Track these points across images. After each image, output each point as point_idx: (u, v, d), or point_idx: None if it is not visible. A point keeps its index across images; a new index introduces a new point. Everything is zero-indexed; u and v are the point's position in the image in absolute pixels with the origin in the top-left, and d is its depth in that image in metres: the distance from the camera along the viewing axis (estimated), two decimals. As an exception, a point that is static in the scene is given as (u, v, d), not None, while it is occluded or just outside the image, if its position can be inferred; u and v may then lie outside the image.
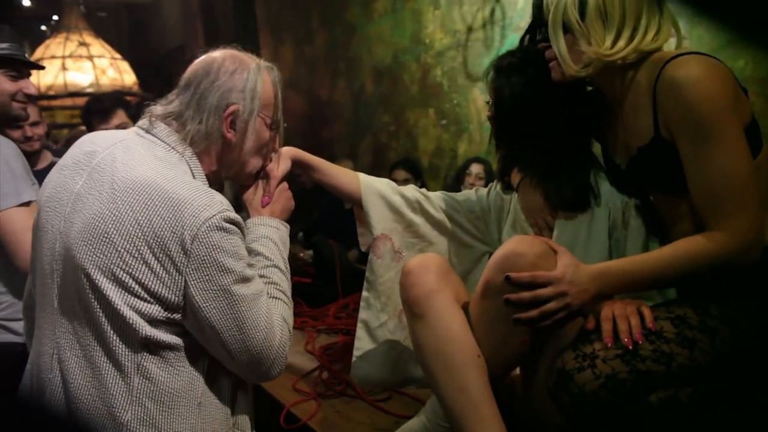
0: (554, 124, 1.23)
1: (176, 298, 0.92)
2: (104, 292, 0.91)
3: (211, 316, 0.93)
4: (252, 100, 1.06)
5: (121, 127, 2.13)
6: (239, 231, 0.97)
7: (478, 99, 3.26)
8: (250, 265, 0.99)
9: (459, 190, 3.12)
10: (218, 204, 0.94)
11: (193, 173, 1.02)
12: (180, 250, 0.90)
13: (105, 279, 0.91)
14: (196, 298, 0.92)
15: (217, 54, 1.09)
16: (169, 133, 1.03)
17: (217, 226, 0.92)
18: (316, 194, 4.01)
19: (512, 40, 3.01)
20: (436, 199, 1.45)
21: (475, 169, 2.99)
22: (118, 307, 0.91)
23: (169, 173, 0.96)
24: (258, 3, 5.27)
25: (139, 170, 0.95)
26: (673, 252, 0.97)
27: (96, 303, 0.92)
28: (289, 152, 1.36)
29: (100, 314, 0.92)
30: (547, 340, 1.04)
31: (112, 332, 0.92)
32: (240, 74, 1.06)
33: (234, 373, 1.03)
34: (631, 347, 0.91)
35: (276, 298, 1.06)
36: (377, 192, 1.41)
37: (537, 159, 1.27)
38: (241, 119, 1.05)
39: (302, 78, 4.78)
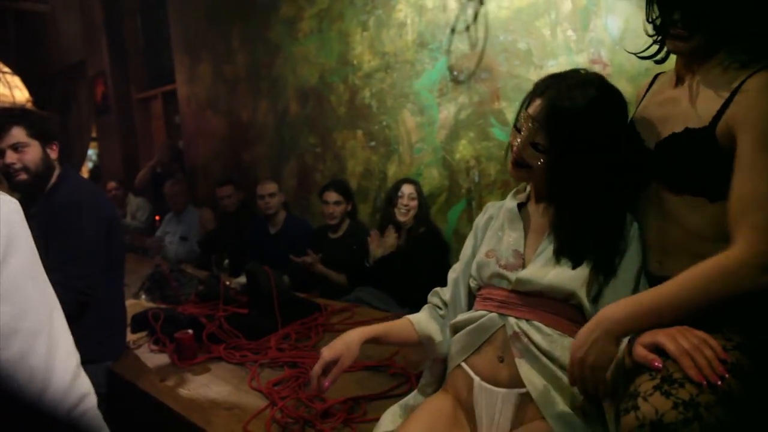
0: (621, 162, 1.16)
1: None
2: None
3: None
4: None
5: (18, 147, 1.88)
6: None
7: (408, 120, 3.27)
8: None
9: (391, 213, 3.13)
10: None
11: None
12: None
13: None
14: None
15: None
16: None
17: None
18: (241, 217, 3.84)
19: (442, 64, 3.05)
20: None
21: (407, 189, 2.97)
22: None
23: None
24: (171, 19, 5.02)
25: None
26: (702, 272, 0.95)
27: None
28: (358, 338, 1.36)
29: None
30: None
31: None
32: None
33: None
34: (719, 383, 0.85)
35: None
36: (430, 335, 1.40)
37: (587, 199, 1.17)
38: None
39: (221, 98, 4.59)
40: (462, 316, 1.31)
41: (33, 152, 1.90)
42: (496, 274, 1.24)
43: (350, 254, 3.15)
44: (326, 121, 3.75)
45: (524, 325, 1.18)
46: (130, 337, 2.21)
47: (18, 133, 1.88)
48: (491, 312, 1.24)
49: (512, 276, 1.21)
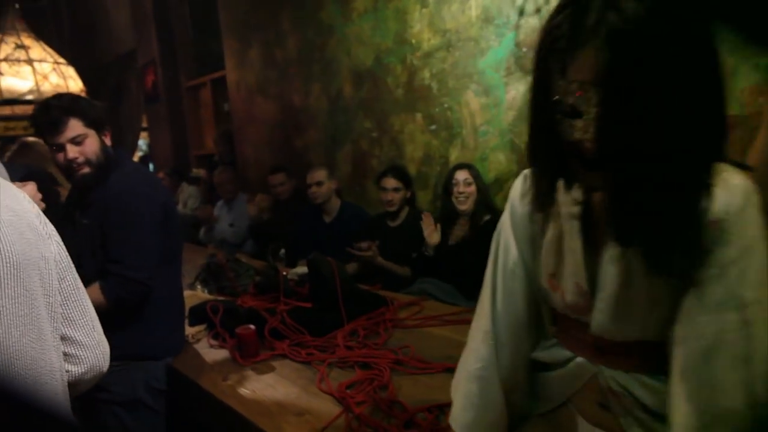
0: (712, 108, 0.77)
1: None
2: None
3: None
4: None
5: (78, 139, 1.76)
6: None
7: (472, 102, 3.06)
8: None
9: (450, 203, 2.94)
10: None
11: None
12: None
13: None
14: None
15: None
16: None
17: None
18: (294, 206, 3.72)
19: (509, 40, 2.82)
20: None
21: (461, 176, 2.77)
22: None
23: None
24: (220, 4, 4.92)
25: None
26: None
27: None
28: None
29: None
30: None
31: None
32: None
33: None
34: None
35: None
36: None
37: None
38: None
39: (272, 83, 4.47)
40: (545, 354, 1.06)
41: (92, 143, 1.78)
42: (569, 314, 0.98)
43: (411, 243, 2.98)
44: (383, 105, 3.56)
45: (622, 378, 0.92)
46: (189, 330, 2.10)
47: (75, 125, 1.75)
48: (577, 357, 0.98)
49: (585, 320, 0.94)
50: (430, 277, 2.80)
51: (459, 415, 1.08)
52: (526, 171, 1.04)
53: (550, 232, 0.97)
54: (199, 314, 2.17)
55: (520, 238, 1.03)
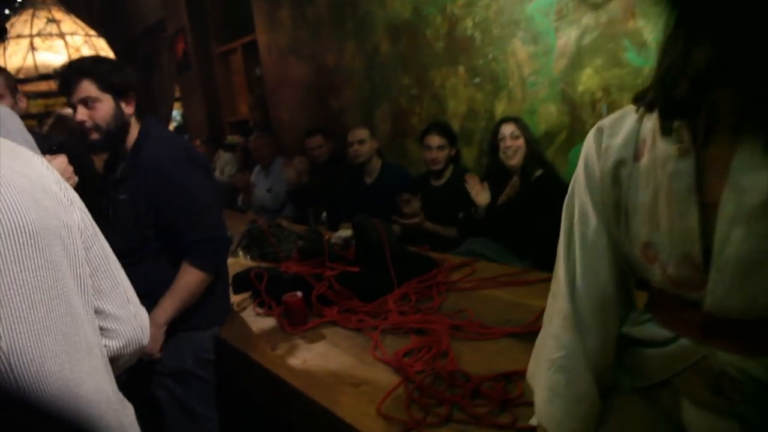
0: None
1: None
2: None
3: None
4: None
5: (89, 102, 1.65)
6: None
7: (519, 51, 2.86)
8: None
9: (497, 159, 2.77)
10: None
11: None
12: None
13: None
14: None
15: None
16: None
17: None
18: (333, 168, 3.61)
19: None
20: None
21: (507, 129, 2.60)
22: None
23: None
24: (248, -36, 4.76)
25: None
26: None
27: None
28: None
29: None
30: None
31: None
32: None
33: None
34: None
35: None
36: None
37: None
38: None
39: (304, 43, 4.31)
40: (637, 331, 0.92)
41: (105, 108, 1.66)
42: (669, 290, 0.83)
43: (457, 203, 2.85)
44: (422, 59, 3.38)
45: (741, 362, 0.77)
46: (233, 298, 2.03)
47: (88, 87, 1.64)
48: (681, 338, 0.84)
49: (691, 296, 0.80)
50: (479, 237, 2.68)
51: (545, 408, 0.94)
52: (602, 122, 0.89)
53: (644, 193, 0.82)
54: (243, 282, 2.10)
55: (601, 203, 0.88)
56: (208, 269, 1.69)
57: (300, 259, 2.38)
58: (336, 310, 1.82)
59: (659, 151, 0.79)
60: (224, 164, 4.86)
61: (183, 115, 7.34)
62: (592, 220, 0.89)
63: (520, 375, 1.31)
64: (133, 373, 1.72)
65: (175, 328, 1.69)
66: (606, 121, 0.89)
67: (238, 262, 2.46)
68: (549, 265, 2.16)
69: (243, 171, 4.28)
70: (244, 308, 2.01)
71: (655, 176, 0.80)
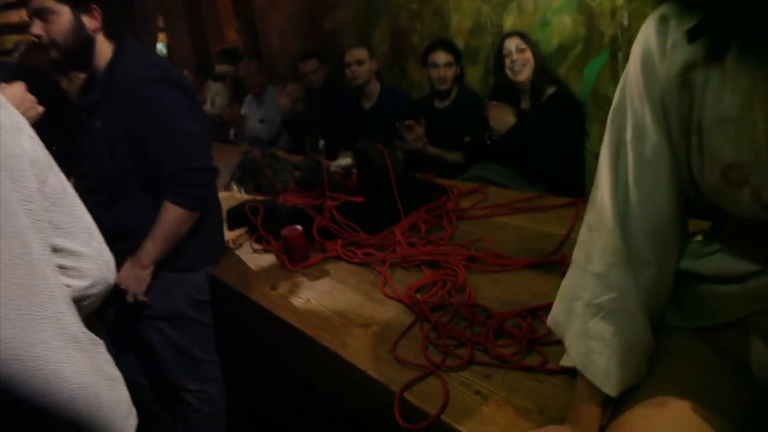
0: None
1: None
2: None
3: None
4: None
5: (43, 14, 1.43)
6: None
7: (530, -45, 2.59)
8: None
9: (503, 76, 2.56)
10: None
11: None
12: None
13: None
14: None
15: None
16: None
17: None
18: (328, 94, 3.39)
19: None
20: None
21: (511, 44, 2.38)
22: None
23: None
24: None
25: None
26: None
27: None
28: None
29: None
30: None
31: None
32: None
33: None
34: None
35: None
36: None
37: None
38: None
39: (292, -42, 3.97)
40: (701, 265, 0.78)
41: (61, 22, 1.44)
42: (760, 218, 0.68)
43: (463, 126, 2.66)
44: (422, -31, 3.10)
45: None
46: (228, 235, 1.88)
47: None
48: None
49: None
50: (487, 162, 2.51)
51: (589, 360, 0.79)
52: (665, 9, 0.70)
53: (730, 102, 0.64)
54: (238, 216, 1.94)
55: (663, 115, 0.71)
56: (189, 206, 1.51)
57: (298, 191, 2.22)
58: (339, 244, 1.67)
59: (753, 46, 0.61)
60: (214, 95, 4.60)
61: (168, 47, 6.97)
62: (652, 135, 0.73)
63: (545, 309, 1.18)
64: (122, 316, 1.62)
65: (162, 269, 1.56)
66: (670, 7, 0.70)
67: (232, 197, 2.30)
68: (563, 191, 1.98)
69: (233, 103, 4.04)
70: (240, 245, 1.86)
71: (748, 80, 0.62)
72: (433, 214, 1.82)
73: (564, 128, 2.37)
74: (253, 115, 3.81)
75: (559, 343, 0.92)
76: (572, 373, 0.93)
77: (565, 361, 1.00)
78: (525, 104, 2.47)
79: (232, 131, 3.99)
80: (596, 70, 2.49)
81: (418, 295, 1.33)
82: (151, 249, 1.51)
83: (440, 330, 1.17)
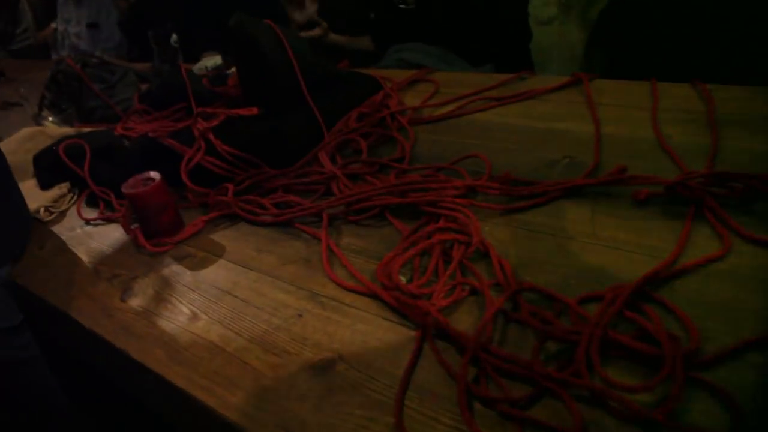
0: None
1: None
2: None
3: None
4: None
5: None
6: None
7: None
8: None
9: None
10: None
11: None
12: None
13: None
14: None
15: None
16: None
17: None
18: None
19: None
20: None
21: None
22: None
23: None
24: None
25: None
26: None
27: None
28: None
29: None
30: None
31: None
32: None
33: None
34: None
35: None
36: None
37: None
38: None
39: None
40: None
41: None
42: None
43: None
44: None
45: None
46: (39, 199, 1.12)
47: None
48: None
49: None
50: (407, 42, 1.87)
51: None
52: None
53: None
54: (50, 167, 1.17)
55: None
56: None
57: (147, 111, 1.44)
58: (232, 192, 0.98)
59: None
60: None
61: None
62: None
63: (658, 281, 0.61)
64: None
65: None
66: None
67: (43, 132, 1.47)
68: (517, 68, 1.31)
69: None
70: (63, 213, 1.11)
71: None
72: (371, 120, 1.15)
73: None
74: (74, 20, 2.79)
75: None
76: None
77: None
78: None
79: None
80: None
81: (403, 279, 0.71)
82: None
83: (485, 364, 0.56)
